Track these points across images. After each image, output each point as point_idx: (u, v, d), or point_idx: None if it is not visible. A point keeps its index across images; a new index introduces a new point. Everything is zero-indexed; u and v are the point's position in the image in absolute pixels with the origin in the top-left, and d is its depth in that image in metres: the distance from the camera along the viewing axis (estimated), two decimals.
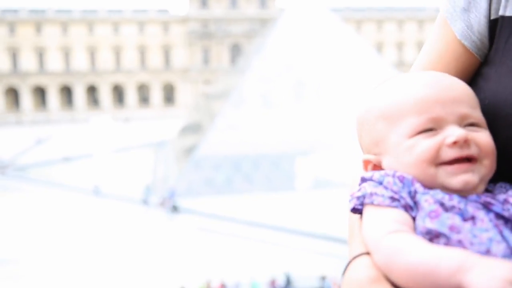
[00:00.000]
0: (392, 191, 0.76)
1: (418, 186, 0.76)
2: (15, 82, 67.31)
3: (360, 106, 0.88)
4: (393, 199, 0.76)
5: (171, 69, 70.97)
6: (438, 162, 0.75)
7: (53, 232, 24.38)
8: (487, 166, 0.77)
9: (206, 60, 70.41)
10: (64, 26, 67.96)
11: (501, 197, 0.75)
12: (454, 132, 0.75)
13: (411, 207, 0.75)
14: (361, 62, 35.12)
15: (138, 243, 22.54)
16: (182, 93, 70.99)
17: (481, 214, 0.71)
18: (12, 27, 66.56)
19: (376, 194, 0.77)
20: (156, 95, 71.22)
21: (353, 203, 0.80)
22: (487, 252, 0.66)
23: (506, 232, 0.70)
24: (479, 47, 0.87)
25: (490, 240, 0.67)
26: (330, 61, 35.61)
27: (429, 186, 0.76)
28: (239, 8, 69.76)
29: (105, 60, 69.56)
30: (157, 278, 18.82)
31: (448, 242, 0.69)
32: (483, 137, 0.77)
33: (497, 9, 0.84)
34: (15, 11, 67.04)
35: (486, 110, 0.83)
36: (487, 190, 0.79)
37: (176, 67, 70.84)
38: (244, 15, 69.72)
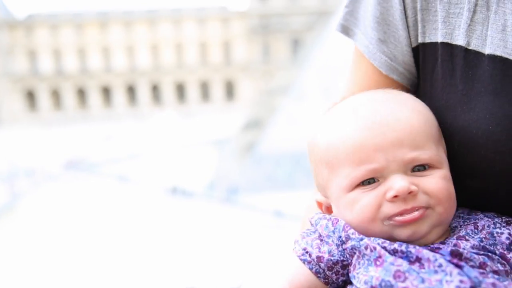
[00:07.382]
0: (320, 235, 0.70)
1: (351, 232, 0.68)
2: (83, 81, 70.40)
3: (307, 137, 0.78)
4: (305, 251, 0.70)
5: (231, 65, 71.47)
6: (381, 218, 0.67)
7: (122, 222, 25.15)
8: (441, 213, 0.67)
9: (266, 55, 70.26)
10: (128, 26, 70.17)
11: (452, 242, 0.67)
12: (395, 185, 0.65)
13: (332, 255, 0.68)
14: None
15: (200, 238, 22.74)
16: (243, 89, 71.33)
17: (426, 252, 0.64)
18: (79, 29, 69.57)
19: (297, 242, 0.72)
20: (217, 91, 72.02)
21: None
22: None
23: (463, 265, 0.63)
24: (408, 77, 0.80)
25: (440, 281, 0.60)
26: None
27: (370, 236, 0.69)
28: (298, 1, 69.00)
29: (167, 57, 71.18)
30: (217, 274, 18.85)
31: None
32: (432, 183, 0.67)
33: (416, 36, 0.77)
34: (82, 13, 70.00)
35: None
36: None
37: (236, 63, 71.25)
38: (303, 8, 68.85)
